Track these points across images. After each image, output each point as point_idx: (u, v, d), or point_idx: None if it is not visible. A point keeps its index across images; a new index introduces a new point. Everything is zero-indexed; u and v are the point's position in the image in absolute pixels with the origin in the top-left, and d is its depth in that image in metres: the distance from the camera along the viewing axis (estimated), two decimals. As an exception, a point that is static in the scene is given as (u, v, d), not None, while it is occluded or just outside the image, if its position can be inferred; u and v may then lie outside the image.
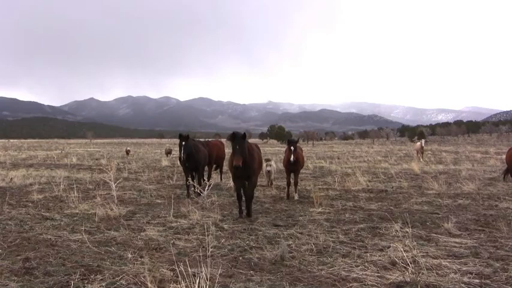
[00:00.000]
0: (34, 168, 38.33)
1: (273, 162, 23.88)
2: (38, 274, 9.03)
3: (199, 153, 20.99)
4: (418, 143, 49.43)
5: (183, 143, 19.88)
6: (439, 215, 15.23)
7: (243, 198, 15.83)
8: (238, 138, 14.66)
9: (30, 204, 17.89)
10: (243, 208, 15.69)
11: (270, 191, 21.78)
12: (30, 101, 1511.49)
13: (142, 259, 10.09)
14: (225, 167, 25.74)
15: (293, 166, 19.94)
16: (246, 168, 14.84)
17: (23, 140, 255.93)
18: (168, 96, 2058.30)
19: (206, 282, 7.37)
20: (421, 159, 45.87)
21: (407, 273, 8.73)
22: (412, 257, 9.66)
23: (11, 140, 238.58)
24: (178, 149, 20.48)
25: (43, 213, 15.95)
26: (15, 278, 8.80)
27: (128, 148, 68.52)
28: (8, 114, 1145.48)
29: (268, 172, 23.11)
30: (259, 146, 18.44)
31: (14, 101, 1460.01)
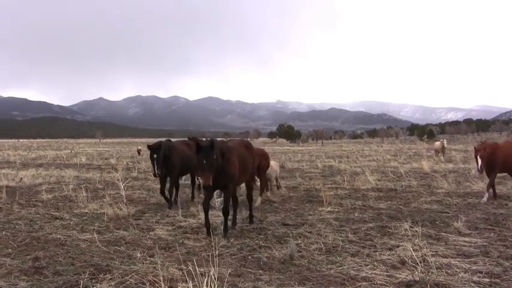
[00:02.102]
0: (43, 168, 38.49)
1: (271, 163, 20.75)
2: (48, 273, 9.06)
3: (174, 156, 17.98)
4: (438, 142, 47.57)
5: (155, 155, 17.09)
6: (449, 214, 15.17)
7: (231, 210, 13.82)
8: (205, 150, 11.70)
9: (39, 204, 17.97)
10: (212, 226, 12.82)
11: (278, 190, 21.68)
12: (39, 101, 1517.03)
13: (151, 258, 10.12)
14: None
15: None
16: (220, 176, 12.19)
17: (32, 140, 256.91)
18: (176, 95, 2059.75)
19: (215, 282, 7.38)
20: (442, 158, 44.29)
21: (416, 272, 8.71)
22: (421, 256, 9.63)
23: (21, 140, 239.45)
24: (152, 161, 17.35)
25: (52, 213, 16.03)
26: (25, 277, 8.84)
27: (139, 147, 68.58)
28: (17, 114, 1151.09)
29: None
30: (261, 146, 17.00)
31: (24, 101, 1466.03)
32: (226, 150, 12.49)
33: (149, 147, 17.43)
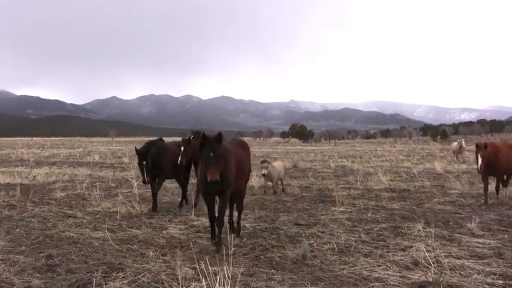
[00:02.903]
0: (57, 166, 38.65)
1: (274, 164, 21.01)
2: (61, 271, 9.11)
3: (164, 157, 16.54)
4: (456, 143, 45.76)
5: (144, 162, 15.79)
6: (462, 215, 15.11)
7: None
8: (212, 143, 10.62)
9: (53, 202, 18.07)
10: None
11: (291, 189, 21.63)
12: (53, 99, 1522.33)
13: (164, 257, 10.14)
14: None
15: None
16: (219, 181, 10.66)
17: (46, 138, 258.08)
18: (189, 94, 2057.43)
19: (227, 281, 7.38)
20: (457, 160, 43.08)
21: (429, 273, 8.69)
22: (434, 257, 9.59)
23: (34, 138, 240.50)
24: (140, 168, 16.10)
25: (66, 211, 16.11)
26: (38, 274, 8.90)
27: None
28: (31, 113, 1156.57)
29: (264, 176, 20.00)
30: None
31: (37, 99, 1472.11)
32: (225, 152, 11.09)
33: (137, 151, 16.18)
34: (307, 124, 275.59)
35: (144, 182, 16.09)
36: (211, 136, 10.84)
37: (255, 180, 22.86)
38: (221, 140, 10.79)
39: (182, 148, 16.16)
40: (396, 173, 30.12)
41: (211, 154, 10.41)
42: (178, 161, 16.11)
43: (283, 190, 21.26)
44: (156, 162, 16.12)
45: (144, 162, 15.71)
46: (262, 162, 20.23)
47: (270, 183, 20.60)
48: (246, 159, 12.68)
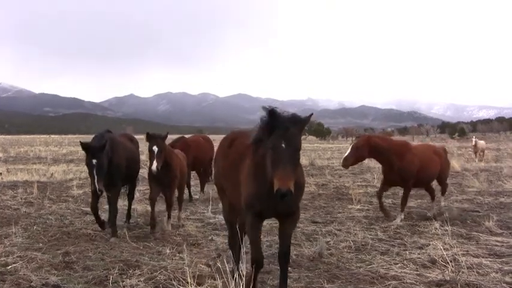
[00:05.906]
0: (74, 163, 38.73)
1: None
2: (78, 268, 9.18)
3: (117, 156, 12.29)
4: (482, 141, 44.09)
5: (94, 161, 11.24)
6: (480, 213, 15.04)
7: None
8: (286, 126, 6.53)
9: (70, 199, 18.15)
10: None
11: (308, 187, 21.53)
12: (70, 97, 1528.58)
13: (180, 255, 10.16)
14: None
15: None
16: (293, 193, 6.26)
17: (63, 136, 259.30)
18: (206, 92, 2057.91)
19: (243, 278, 7.36)
20: (476, 160, 41.38)
21: (447, 271, 8.64)
22: (452, 256, 9.52)
23: (52, 136, 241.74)
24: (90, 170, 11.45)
25: (83, 208, 16.17)
26: (55, 271, 8.96)
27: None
28: (49, 110, 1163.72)
29: None
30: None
31: (55, 97, 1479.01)
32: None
33: (84, 146, 11.54)
34: (324, 122, 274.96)
35: (93, 191, 11.87)
36: (285, 115, 6.93)
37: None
38: (302, 123, 6.91)
39: (155, 148, 12.01)
40: (413, 171, 29.97)
41: (283, 145, 6.32)
42: (154, 167, 11.94)
43: None
44: (111, 164, 11.97)
45: (95, 161, 11.23)
46: None
47: None
48: None
